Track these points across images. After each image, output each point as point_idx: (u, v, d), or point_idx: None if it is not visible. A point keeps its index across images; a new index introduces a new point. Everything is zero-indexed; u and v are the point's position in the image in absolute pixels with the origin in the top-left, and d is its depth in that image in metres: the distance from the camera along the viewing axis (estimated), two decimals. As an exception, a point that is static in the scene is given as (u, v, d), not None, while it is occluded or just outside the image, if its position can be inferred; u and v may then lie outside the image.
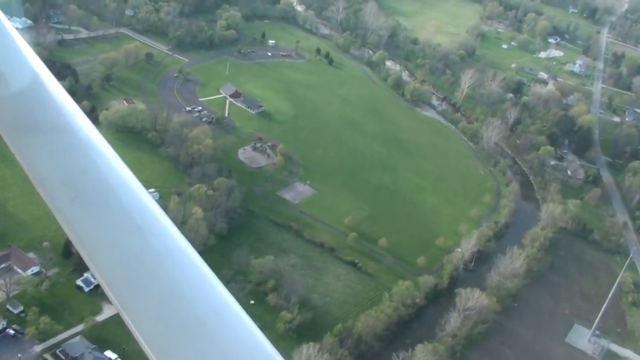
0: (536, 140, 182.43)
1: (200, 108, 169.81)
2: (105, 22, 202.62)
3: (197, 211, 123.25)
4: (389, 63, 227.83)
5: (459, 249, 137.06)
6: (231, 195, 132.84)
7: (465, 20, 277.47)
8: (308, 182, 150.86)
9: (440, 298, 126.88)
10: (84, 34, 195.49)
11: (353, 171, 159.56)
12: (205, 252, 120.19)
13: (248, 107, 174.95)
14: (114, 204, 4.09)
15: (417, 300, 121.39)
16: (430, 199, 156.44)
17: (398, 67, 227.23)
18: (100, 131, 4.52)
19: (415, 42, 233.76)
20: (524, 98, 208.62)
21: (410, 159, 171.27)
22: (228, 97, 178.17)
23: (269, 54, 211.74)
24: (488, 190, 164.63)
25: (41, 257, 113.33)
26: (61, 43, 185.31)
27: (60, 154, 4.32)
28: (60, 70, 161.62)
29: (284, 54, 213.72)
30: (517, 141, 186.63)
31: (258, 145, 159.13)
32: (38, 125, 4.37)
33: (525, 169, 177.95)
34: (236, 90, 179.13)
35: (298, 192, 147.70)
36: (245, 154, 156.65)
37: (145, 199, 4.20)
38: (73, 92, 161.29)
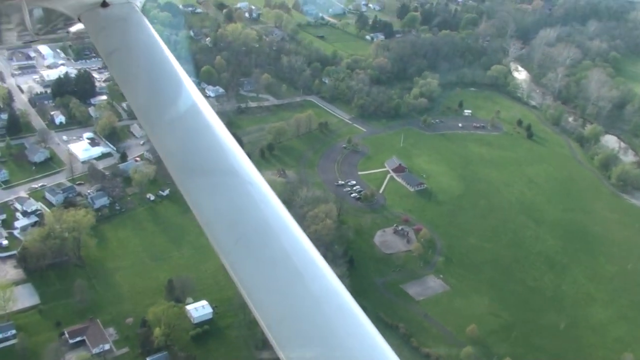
0: None
1: (354, 182, 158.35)
2: (294, 90, 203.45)
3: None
4: (611, 139, 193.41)
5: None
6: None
7: None
8: (441, 275, 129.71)
9: None
10: (270, 101, 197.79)
11: (507, 267, 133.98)
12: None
13: (407, 184, 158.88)
14: (276, 247, 4.33)
15: None
16: (598, 312, 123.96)
17: (622, 145, 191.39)
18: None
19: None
20: None
21: (590, 258, 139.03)
22: (390, 171, 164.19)
23: (460, 124, 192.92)
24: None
25: (119, 333, 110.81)
26: (243, 111, 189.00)
27: (225, 196, 4.63)
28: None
29: (477, 125, 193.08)
30: None
31: (399, 228, 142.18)
32: (205, 167, 4.73)
33: None
34: (400, 164, 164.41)
35: (427, 287, 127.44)
36: (384, 236, 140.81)
37: (305, 244, 4.36)
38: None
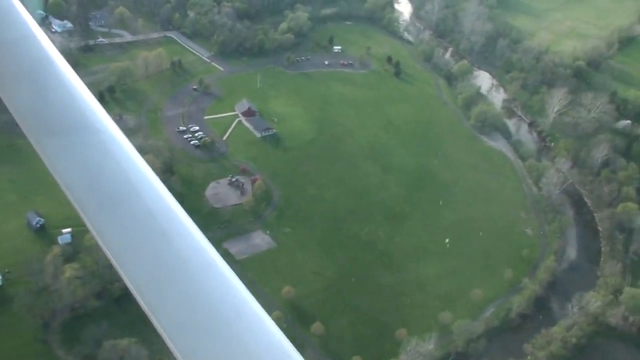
0: (624, 192, 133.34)
1: (197, 128, 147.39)
2: (153, 25, 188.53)
3: (68, 269, 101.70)
4: (485, 76, 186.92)
5: (428, 348, 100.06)
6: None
7: (621, 19, 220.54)
8: (268, 232, 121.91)
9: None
10: (124, 38, 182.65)
11: (343, 219, 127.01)
12: (77, 318, 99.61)
13: (255, 129, 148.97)
14: (140, 209, 4.16)
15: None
16: (428, 267, 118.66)
17: (495, 82, 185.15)
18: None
19: (514, 49, 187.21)
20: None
21: (433, 207, 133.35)
22: (240, 115, 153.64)
23: (326, 62, 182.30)
24: (523, 260, 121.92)
25: None
26: (91, 48, 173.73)
27: (86, 157, 4.36)
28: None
29: (345, 62, 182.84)
30: (605, 190, 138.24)
31: (234, 179, 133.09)
32: (63, 126, 4.42)
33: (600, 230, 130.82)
34: (249, 107, 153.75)
35: (251, 244, 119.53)
36: (217, 188, 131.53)
37: (171, 203, 4.24)
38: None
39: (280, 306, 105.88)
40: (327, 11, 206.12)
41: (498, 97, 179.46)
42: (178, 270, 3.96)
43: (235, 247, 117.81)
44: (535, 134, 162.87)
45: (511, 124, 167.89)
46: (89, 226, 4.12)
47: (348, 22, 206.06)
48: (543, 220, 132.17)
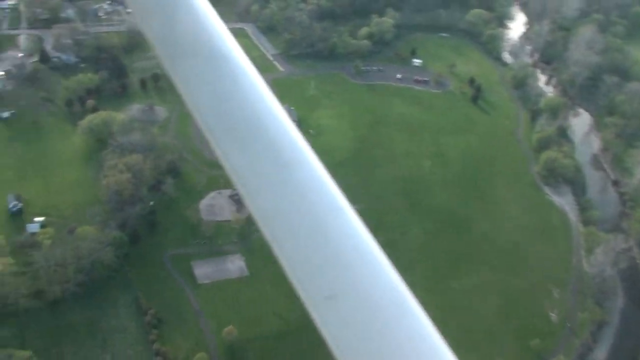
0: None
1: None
2: (229, 16, 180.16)
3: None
4: (585, 117, 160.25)
5: None
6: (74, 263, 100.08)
7: None
8: (245, 258, 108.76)
9: None
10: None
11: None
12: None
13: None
14: (264, 138, 4.21)
15: None
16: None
17: (593, 125, 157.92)
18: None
19: (624, 88, 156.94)
20: None
21: (450, 264, 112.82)
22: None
23: (399, 76, 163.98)
24: (528, 352, 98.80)
25: None
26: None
27: (216, 83, 4.39)
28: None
29: (419, 79, 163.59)
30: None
31: (235, 193, 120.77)
32: (195, 52, 4.48)
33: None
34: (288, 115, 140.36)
35: (222, 268, 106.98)
36: (215, 200, 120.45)
37: (294, 135, 4.30)
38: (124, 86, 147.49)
39: (218, 346, 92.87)
40: (420, 19, 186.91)
41: (594, 144, 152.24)
42: (299, 202, 3.87)
43: (202, 269, 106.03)
44: (618, 196, 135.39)
45: (596, 177, 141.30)
46: (216, 149, 4.16)
47: (443, 34, 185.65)
48: (579, 305, 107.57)
